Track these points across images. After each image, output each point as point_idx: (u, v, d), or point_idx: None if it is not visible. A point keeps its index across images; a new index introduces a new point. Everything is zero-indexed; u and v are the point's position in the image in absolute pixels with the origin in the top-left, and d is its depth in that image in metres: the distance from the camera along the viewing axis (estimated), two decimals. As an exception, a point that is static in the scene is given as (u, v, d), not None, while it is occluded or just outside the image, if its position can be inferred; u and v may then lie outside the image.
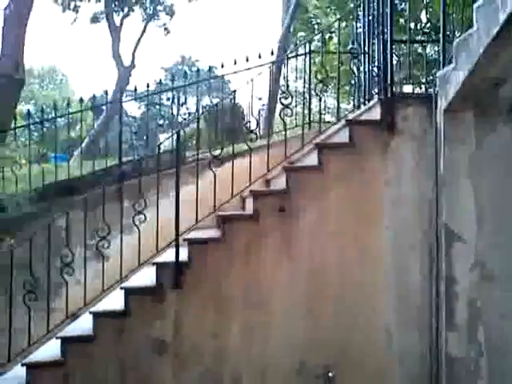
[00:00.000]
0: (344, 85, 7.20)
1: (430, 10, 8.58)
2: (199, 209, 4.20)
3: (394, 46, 4.43)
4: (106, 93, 6.91)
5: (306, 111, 5.38)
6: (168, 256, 4.08)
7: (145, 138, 7.42)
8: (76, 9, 17.92)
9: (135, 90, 6.23)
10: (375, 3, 4.66)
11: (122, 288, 4.02)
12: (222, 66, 5.11)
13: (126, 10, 18.61)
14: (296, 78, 6.37)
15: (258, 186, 4.46)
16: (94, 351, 3.89)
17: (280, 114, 4.65)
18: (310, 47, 5.60)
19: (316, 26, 13.20)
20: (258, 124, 4.79)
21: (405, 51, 5.36)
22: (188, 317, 3.99)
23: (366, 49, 4.93)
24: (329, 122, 5.60)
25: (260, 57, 4.92)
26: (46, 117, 7.28)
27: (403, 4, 9.30)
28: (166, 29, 20.10)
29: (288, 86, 4.96)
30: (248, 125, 4.59)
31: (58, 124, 6.11)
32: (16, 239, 4.81)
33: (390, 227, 4.09)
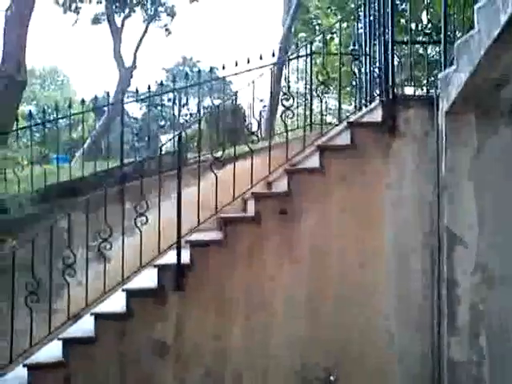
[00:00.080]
0: (345, 86, 7.20)
1: (431, 10, 8.58)
2: (201, 211, 4.20)
3: (395, 47, 4.42)
4: (108, 94, 6.93)
5: (308, 112, 5.39)
6: (170, 258, 4.09)
7: (146, 139, 7.42)
8: (77, 10, 17.92)
9: (137, 91, 6.24)
10: (376, 4, 4.66)
11: (123, 290, 4.02)
12: (224, 68, 5.11)
13: (127, 10, 18.61)
14: (297, 78, 6.36)
15: (259, 188, 4.46)
16: (96, 353, 3.89)
17: (281, 116, 4.65)
18: (311, 48, 5.60)
19: (317, 27, 13.21)
20: (259, 126, 4.79)
21: (406, 52, 5.36)
22: (190, 319, 3.99)
23: (367, 50, 4.93)
24: (330, 124, 5.60)
25: (261, 58, 4.93)
26: (48, 118, 7.28)
27: (404, 4, 9.30)
28: (167, 29, 20.11)
29: (289, 88, 4.97)
30: (249, 126, 4.59)
31: (59, 125, 6.12)
32: (18, 240, 4.82)
33: (392, 230, 4.09)
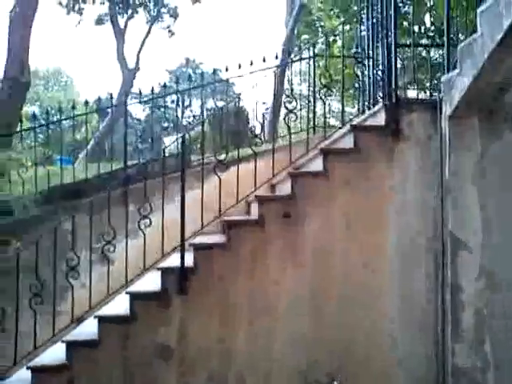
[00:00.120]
0: (348, 89, 7.21)
1: (434, 13, 8.57)
2: (204, 213, 4.21)
3: (398, 50, 4.42)
4: (111, 96, 6.95)
5: (311, 115, 5.39)
6: (173, 261, 4.09)
7: (149, 140, 7.44)
8: (80, 11, 17.99)
9: (140, 92, 6.26)
10: (379, 6, 4.66)
11: (127, 293, 4.03)
12: (227, 70, 5.12)
13: (130, 12, 18.66)
14: (300, 80, 6.37)
15: (263, 191, 4.46)
16: (99, 356, 3.89)
17: (284, 119, 4.66)
18: (314, 51, 5.60)
19: (320, 29, 13.21)
20: (262, 128, 4.80)
21: (409, 55, 5.36)
22: (193, 322, 3.99)
23: (370, 52, 4.94)
24: (333, 126, 5.61)
25: (264, 60, 4.93)
26: (51, 119, 7.31)
27: (407, 7, 9.31)
28: (170, 31, 20.15)
29: (292, 90, 4.98)
30: (253, 129, 4.60)
31: (63, 126, 6.13)
32: (22, 242, 4.83)
33: (395, 234, 4.08)
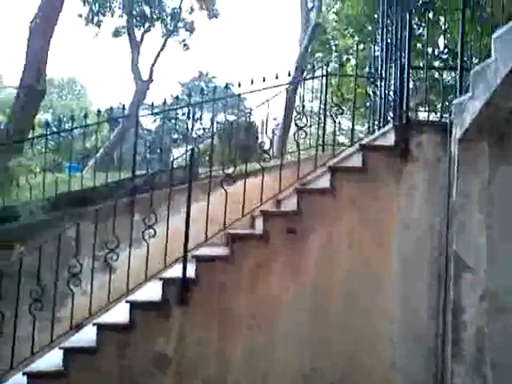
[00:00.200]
0: (359, 107, 7.22)
1: (448, 36, 8.60)
2: (209, 226, 4.19)
3: (410, 72, 4.43)
4: (124, 107, 7.01)
5: (320, 132, 5.39)
6: (175, 271, 4.08)
7: (158, 151, 7.48)
8: (99, 24, 18.30)
9: (152, 104, 6.31)
10: (393, 27, 4.69)
11: (127, 301, 4.01)
12: (239, 85, 5.14)
13: (147, 25, 18.94)
14: (312, 98, 6.39)
15: (268, 206, 4.45)
16: (97, 364, 3.87)
17: (294, 135, 4.66)
18: (327, 70, 5.63)
19: (333, 48, 13.30)
20: (271, 144, 4.80)
21: (421, 76, 5.36)
22: (193, 334, 3.96)
23: (383, 73, 4.95)
24: (343, 144, 5.60)
25: (277, 77, 4.95)
26: (63, 127, 7.38)
27: (421, 29, 9.34)
28: (185, 45, 20.38)
29: (304, 107, 4.99)
30: (262, 144, 4.60)
31: (74, 134, 6.18)
32: (27, 247, 4.84)
33: (400, 255, 4.05)
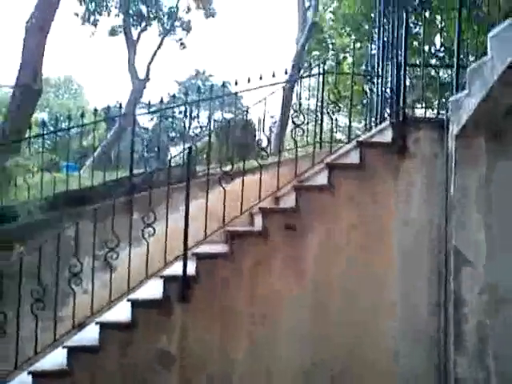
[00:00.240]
0: (356, 105, 7.25)
1: (445, 34, 8.64)
2: (208, 223, 4.21)
3: (407, 69, 4.45)
4: (120, 105, 7.02)
5: (318, 129, 5.41)
6: (175, 269, 4.09)
7: (156, 149, 7.49)
8: (95, 23, 18.25)
9: (149, 103, 6.32)
10: (390, 26, 4.71)
11: (128, 300, 4.02)
12: (236, 84, 5.16)
13: (143, 24, 18.91)
14: (309, 95, 6.41)
15: (267, 204, 4.47)
16: (100, 362, 3.89)
17: (291, 133, 4.68)
18: (324, 68, 5.65)
19: (330, 46, 13.33)
20: (269, 142, 4.82)
21: (418, 73, 5.39)
22: (195, 331, 3.98)
23: (380, 71, 4.98)
24: (340, 141, 5.63)
25: (274, 75, 4.97)
26: (60, 126, 7.38)
27: (418, 28, 9.38)
28: (182, 43, 20.34)
29: (300, 105, 5.01)
30: (259, 142, 4.62)
31: (71, 133, 6.18)
32: (26, 247, 4.85)
33: (400, 250, 4.08)
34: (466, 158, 3.95)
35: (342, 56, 10.89)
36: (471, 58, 4.41)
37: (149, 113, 7.09)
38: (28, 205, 5.62)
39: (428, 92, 6.63)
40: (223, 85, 6.54)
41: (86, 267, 4.11)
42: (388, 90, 4.67)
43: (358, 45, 9.12)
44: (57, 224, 5.04)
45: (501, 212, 3.93)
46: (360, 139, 4.57)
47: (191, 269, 4.02)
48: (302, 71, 12.15)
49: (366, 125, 5.46)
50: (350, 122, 5.40)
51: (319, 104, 5.36)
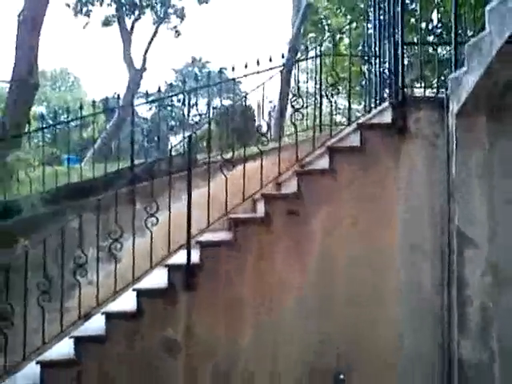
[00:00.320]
0: (355, 86, 7.20)
1: (442, 9, 8.54)
2: (210, 211, 4.22)
3: (405, 48, 4.41)
4: (118, 96, 6.99)
5: (317, 113, 5.39)
6: (179, 258, 4.11)
7: (156, 139, 7.47)
8: (88, 13, 18.06)
9: (147, 93, 6.29)
10: (386, 4, 4.65)
11: (134, 290, 4.05)
12: (233, 69, 5.12)
13: (137, 13, 18.70)
14: (307, 78, 6.37)
15: (269, 189, 4.47)
16: (107, 351, 3.92)
17: (291, 117, 4.66)
18: (320, 50, 5.59)
19: (326, 27, 13.20)
20: (268, 127, 4.80)
21: (416, 52, 5.33)
22: (200, 318, 4.01)
23: (377, 50, 4.93)
24: (340, 124, 5.60)
25: (271, 60, 4.93)
26: (59, 118, 7.36)
27: (414, 4, 9.27)
28: (176, 31, 20.13)
29: (299, 89, 4.96)
30: (259, 128, 4.60)
31: (70, 126, 6.17)
32: (30, 240, 4.87)
33: (403, 231, 4.08)
34: (467, 136, 3.92)
35: (338, 37, 10.78)
36: (470, 33, 4.37)
37: (147, 102, 7.06)
38: (31, 199, 5.63)
39: (426, 70, 6.59)
40: (220, 71, 6.50)
41: (90, 258, 4.13)
42: (386, 71, 4.63)
43: (353, 25, 9.03)
44: (60, 217, 5.06)
45: (503, 190, 3.91)
46: (360, 121, 4.54)
47: (195, 257, 4.04)
48: (298, 54, 12.04)
49: (365, 106, 5.42)
50: (350, 104, 5.37)
51: (317, 87, 5.32)
